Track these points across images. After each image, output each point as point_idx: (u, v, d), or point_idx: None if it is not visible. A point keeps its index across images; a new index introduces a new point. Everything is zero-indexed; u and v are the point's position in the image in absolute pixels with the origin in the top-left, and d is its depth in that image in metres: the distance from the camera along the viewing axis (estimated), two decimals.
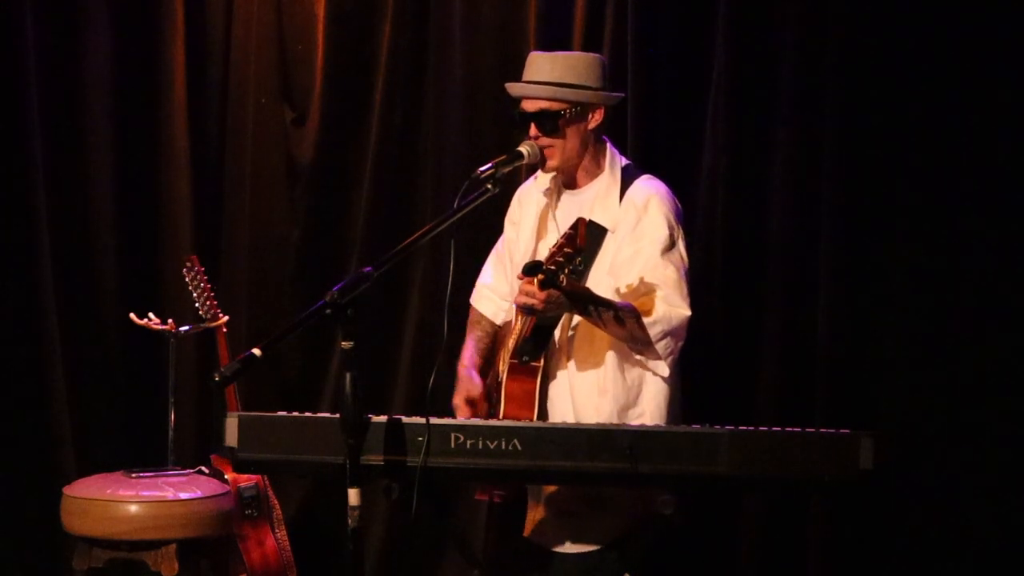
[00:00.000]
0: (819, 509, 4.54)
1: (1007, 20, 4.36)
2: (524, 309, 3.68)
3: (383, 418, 3.50)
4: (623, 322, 3.71)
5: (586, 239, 3.64)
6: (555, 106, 3.85)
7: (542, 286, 3.55)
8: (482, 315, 4.17)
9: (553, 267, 3.50)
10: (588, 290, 3.73)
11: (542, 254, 3.83)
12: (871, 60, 4.51)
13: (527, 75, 3.92)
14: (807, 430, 3.48)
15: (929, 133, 4.46)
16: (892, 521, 4.48)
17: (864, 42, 4.51)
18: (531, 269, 3.53)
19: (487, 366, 4.07)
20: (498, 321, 4.14)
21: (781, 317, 4.68)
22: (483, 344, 4.11)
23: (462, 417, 3.91)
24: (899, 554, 4.49)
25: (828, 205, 4.56)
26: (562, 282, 3.52)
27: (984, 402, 4.39)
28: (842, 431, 3.45)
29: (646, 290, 3.77)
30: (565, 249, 3.53)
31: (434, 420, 3.48)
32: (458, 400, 3.97)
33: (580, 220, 3.59)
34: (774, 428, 3.50)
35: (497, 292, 4.16)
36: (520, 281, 3.63)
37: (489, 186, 3.67)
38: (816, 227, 4.58)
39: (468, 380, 3.99)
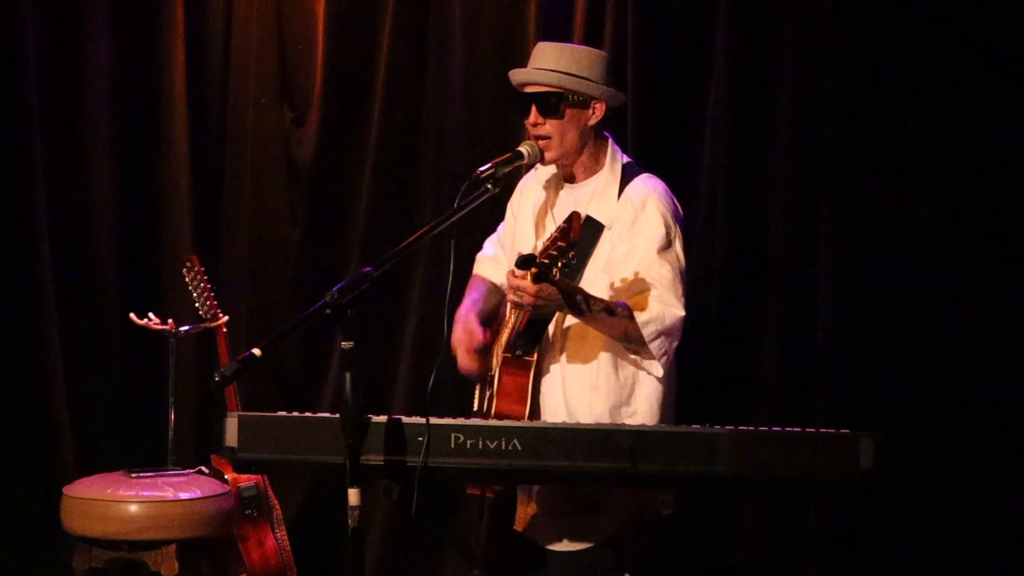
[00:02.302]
0: (819, 509, 4.54)
1: (1007, 18, 4.36)
2: (517, 303, 3.67)
3: (383, 418, 3.50)
4: (616, 320, 3.71)
5: (582, 235, 3.63)
6: (557, 89, 3.85)
7: (535, 279, 3.54)
8: (482, 276, 4.18)
9: (546, 260, 3.50)
10: (580, 288, 3.73)
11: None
12: (871, 59, 4.51)
13: (533, 63, 3.92)
14: (807, 430, 3.48)
15: (929, 132, 4.46)
16: (892, 521, 4.48)
17: (864, 41, 4.52)
18: (524, 262, 3.52)
19: (484, 314, 4.07)
20: (497, 279, 4.13)
21: (781, 317, 4.68)
22: (481, 299, 4.10)
23: (462, 349, 3.94)
24: (899, 554, 4.49)
25: (828, 204, 4.56)
26: (555, 276, 3.52)
27: (984, 402, 4.39)
28: (842, 431, 3.45)
29: (640, 288, 3.77)
30: (559, 243, 3.53)
31: (434, 420, 3.48)
32: (456, 335, 3.97)
33: (574, 214, 3.59)
34: (774, 428, 3.50)
35: (497, 260, 4.17)
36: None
37: (489, 186, 3.67)
38: (816, 226, 4.59)
39: (463, 318, 4.00)
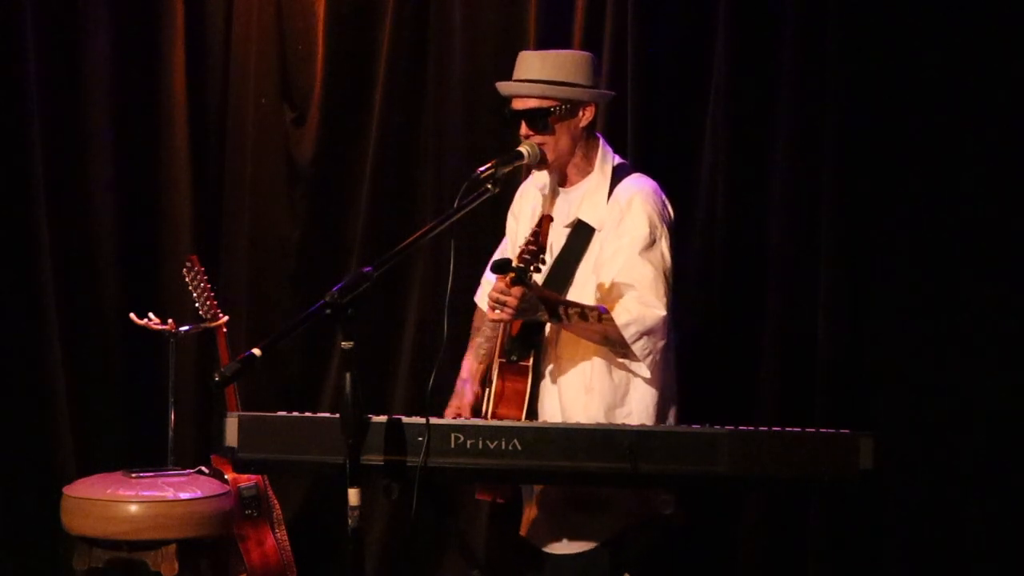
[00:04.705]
0: (819, 509, 4.54)
1: (1007, 18, 4.36)
2: (498, 308, 3.67)
3: (383, 418, 3.50)
4: (593, 325, 3.71)
5: (574, 239, 3.63)
6: (545, 103, 3.85)
7: (513, 284, 3.56)
8: (485, 315, 4.17)
9: (521, 265, 3.52)
10: (556, 295, 3.74)
11: None
12: (871, 59, 4.51)
13: (517, 74, 3.93)
14: (807, 430, 3.48)
15: (929, 133, 4.46)
16: (892, 521, 4.48)
17: (864, 41, 4.51)
18: (500, 267, 3.55)
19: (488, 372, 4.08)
20: None
21: (781, 317, 4.68)
22: (483, 350, 4.10)
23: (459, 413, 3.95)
24: (898, 554, 4.49)
25: (828, 205, 4.56)
26: (530, 279, 3.53)
27: (984, 402, 4.39)
28: (842, 431, 3.45)
29: (622, 290, 3.77)
30: (531, 247, 3.56)
31: (434, 420, 3.49)
32: (448, 412, 4.00)
33: (543, 217, 3.64)
34: (774, 428, 3.50)
35: None
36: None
37: (489, 186, 3.67)
38: (816, 227, 4.58)
39: (459, 394, 4.03)
